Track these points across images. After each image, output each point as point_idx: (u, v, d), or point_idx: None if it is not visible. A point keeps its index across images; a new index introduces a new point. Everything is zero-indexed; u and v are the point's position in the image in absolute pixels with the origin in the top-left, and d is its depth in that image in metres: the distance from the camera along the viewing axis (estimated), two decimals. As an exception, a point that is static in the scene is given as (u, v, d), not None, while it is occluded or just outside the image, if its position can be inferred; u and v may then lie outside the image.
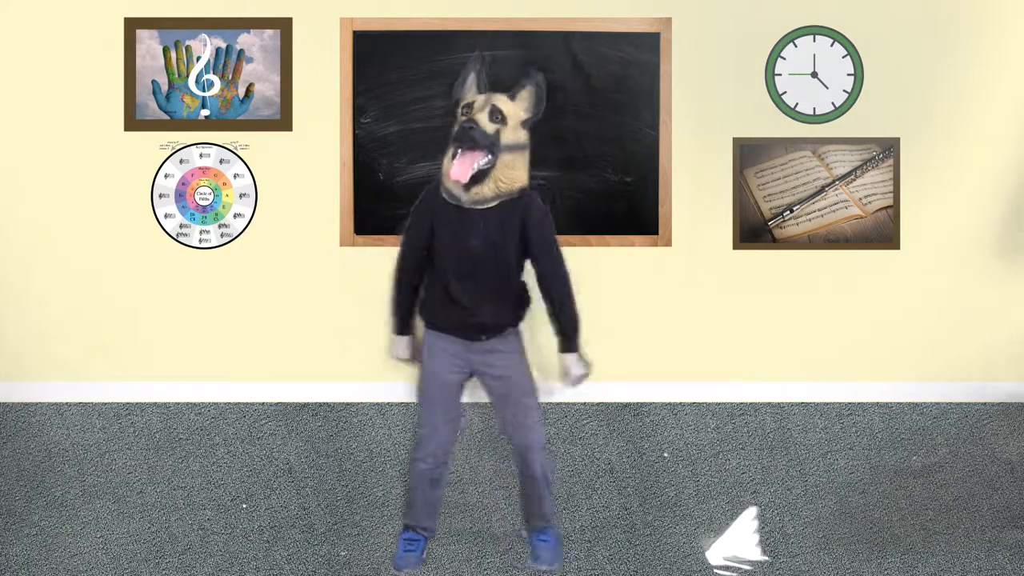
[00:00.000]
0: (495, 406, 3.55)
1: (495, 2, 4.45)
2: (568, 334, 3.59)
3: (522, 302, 3.54)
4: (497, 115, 3.33)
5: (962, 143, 4.48)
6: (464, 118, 3.34)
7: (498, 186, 3.34)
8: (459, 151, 3.31)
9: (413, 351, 3.78)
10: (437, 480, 3.58)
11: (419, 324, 3.77)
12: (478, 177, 3.31)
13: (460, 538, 3.70)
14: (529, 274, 3.65)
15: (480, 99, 3.38)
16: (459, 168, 3.29)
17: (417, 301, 3.64)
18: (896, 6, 4.45)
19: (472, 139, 3.27)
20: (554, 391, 3.73)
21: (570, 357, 3.61)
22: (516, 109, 3.40)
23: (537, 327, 4.56)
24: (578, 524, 3.77)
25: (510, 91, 3.41)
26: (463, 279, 3.39)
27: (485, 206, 3.35)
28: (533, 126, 3.49)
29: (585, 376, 3.66)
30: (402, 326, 3.68)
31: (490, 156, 3.30)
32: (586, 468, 4.12)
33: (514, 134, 3.37)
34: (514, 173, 3.36)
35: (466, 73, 3.50)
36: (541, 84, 3.44)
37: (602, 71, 4.48)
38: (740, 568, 3.53)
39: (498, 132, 3.32)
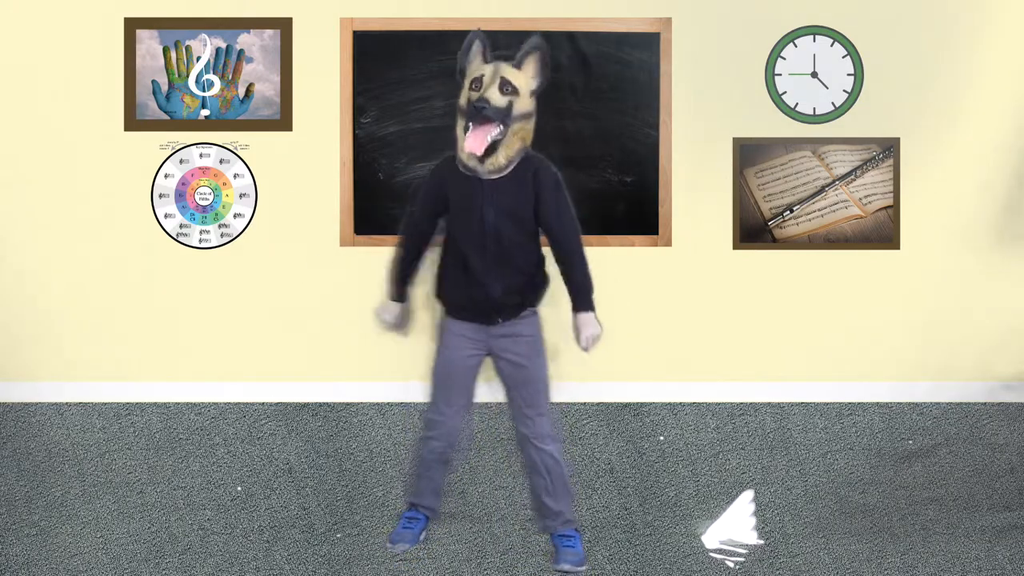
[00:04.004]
0: (506, 391, 3.56)
1: (495, 2, 4.45)
2: (583, 293, 3.51)
3: (540, 280, 3.53)
4: (508, 87, 3.36)
5: (962, 143, 4.48)
6: (475, 95, 3.35)
7: (507, 153, 3.38)
8: (470, 125, 3.34)
9: (400, 318, 3.76)
10: (447, 460, 3.60)
11: (427, 305, 3.78)
12: (491, 148, 3.34)
13: (460, 537, 3.70)
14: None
15: (488, 72, 3.39)
16: (473, 141, 3.32)
17: (416, 270, 3.64)
18: (896, 6, 4.45)
19: (485, 117, 3.31)
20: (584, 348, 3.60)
21: (586, 316, 3.51)
22: (525, 78, 3.42)
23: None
24: (578, 524, 3.76)
25: (515, 60, 3.43)
26: (479, 252, 3.40)
27: (500, 175, 3.38)
28: (538, 101, 3.51)
29: (598, 336, 3.55)
30: (399, 292, 3.68)
31: (502, 127, 3.34)
32: (586, 468, 4.12)
33: (525, 103, 3.41)
34: (518, 140, 3.41)
35: (469, 42, 3.50)
36: (544, 48, 3.45)
37: (602, 71, 4.49)
38: (739, 561, 3.53)
39: (510, 104, 3.35)
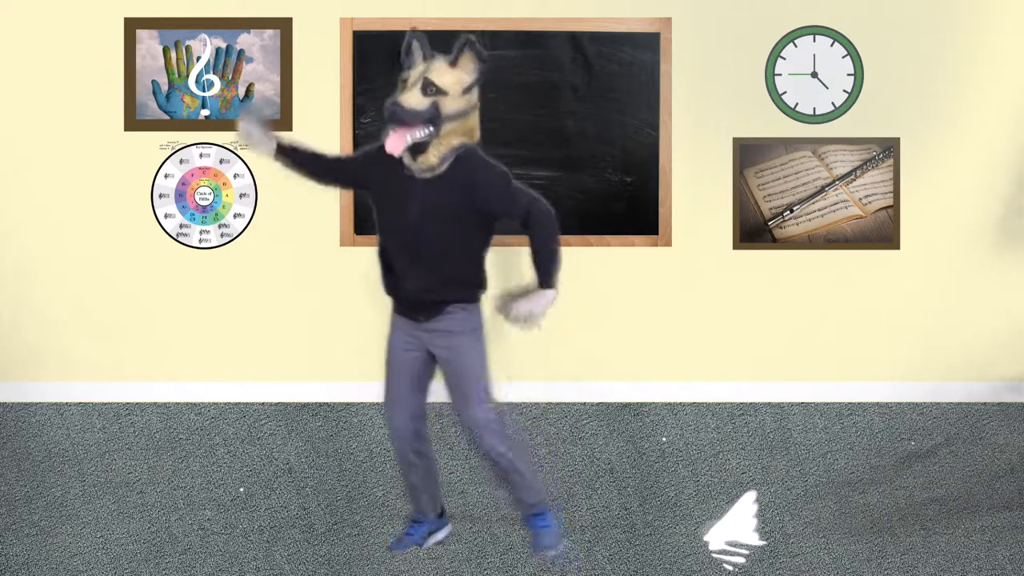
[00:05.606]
0: (445, 384, 3.49)
1: (495, 2, 4.45)
2: (541, 269, 3.29)
3: (467, 280, 3.38)
4: (431, 88, 3.26)
5: (962, 143, 4.48)
6: (390, 99, 3.28)
7: (440, 152, 3.28)
8: (390, 128, 3.24)
9: (258, 136, 3.46)
10: (411, 465, 3.49)
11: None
12: (421, 147, 3.26)
13: (459, 538, 3.69)
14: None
15: (415, 74, 3.30)
16: (391, 142, 3.23)
17: (301, 159, 3.52)
18: (896, 6, 4.45)
19: (399, 119, 3.23)
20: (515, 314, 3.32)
21: (546, 293, 3.30)
22: (457, 76, 3.28)
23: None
24: (578, 524, 3.76)
25: (450, 58, 3.32)
26: (400, 248, 3.34)
27: (433, 174, 3.30)
28: (490, 94, 3.37)
29: (532, 315, 3.30)
30: (279, 144, 3.47)
31: (431, 128, 3.24)
32: (586, 468, 4.11)
33: (456, 102, 3.27)
34: (454, 138, 3.29)
35: (407, 43, 3.40)
36: (475, 43, 3.34)
37: (602, 71, 4.49)
38: (739, 563, 3.53)
39: (435, 104, 3.24)
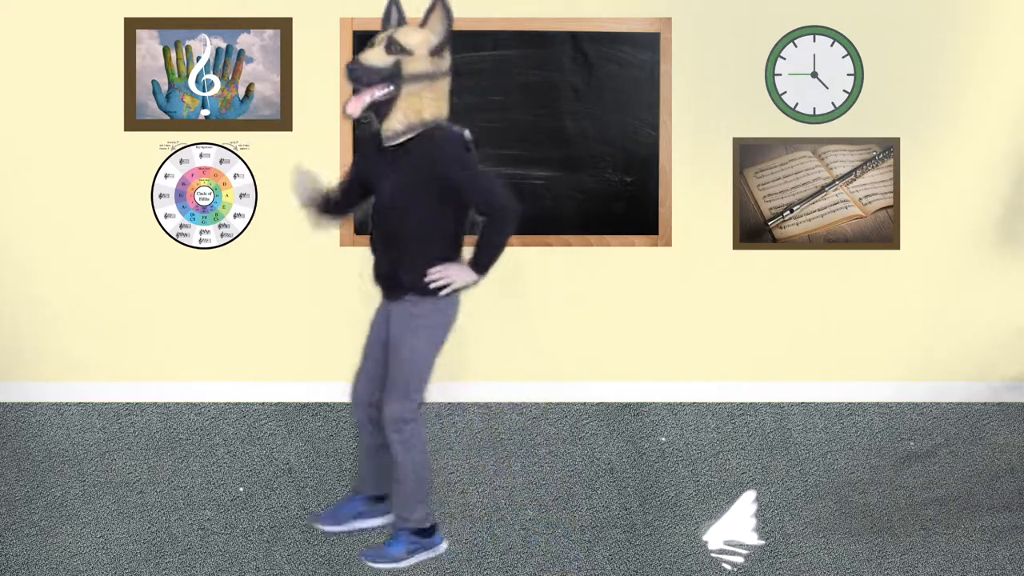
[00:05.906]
0: None
1: (496, 2, 4.45)
2: (482, 258, 3.25)
3: (427, 267, 3.28)
4: (395, 46, 3.21)
5: (962, 143, 4.49)
6: (351, 60, 3.24)
7: (406, 117, 3.22)
8: (354, 92, 3.20)
9: (312, 191, 3.48)
10: (363, 428, 3.49)
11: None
12: (384, 111, 3.21)
13: (459, 538, 3.69)
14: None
15: (383, 34, 3.25)
16: (351, 105, 3.19)
17: (329, 206, 3.49)
18: (896, 6, 4.45)
19: (357, 79, 3.19)
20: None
21: (471, 273, 3.27)
22: (425, 37, 3.23)
23: (539, 330, 4.56)
24: (578, 524, 3.76)
25: (422, 20, 3.27)
26: (377, 225, 3.34)
27: (398, 141, 3.23)
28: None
29: (441, 281, 3.25)
30: (322, 198, 3.48)
31: (391, 87, 3.19)
32: (586, 468, 4.11)
33: (421, 63, 3.21)
34: (421, 103, 3.22)
35: (387, 9, 3.37)
36: (444, 2, 3.29)
37: (602, 71, 4.49)
38: (739, 563, 3.53)
39: (398, 63, 3.19)
